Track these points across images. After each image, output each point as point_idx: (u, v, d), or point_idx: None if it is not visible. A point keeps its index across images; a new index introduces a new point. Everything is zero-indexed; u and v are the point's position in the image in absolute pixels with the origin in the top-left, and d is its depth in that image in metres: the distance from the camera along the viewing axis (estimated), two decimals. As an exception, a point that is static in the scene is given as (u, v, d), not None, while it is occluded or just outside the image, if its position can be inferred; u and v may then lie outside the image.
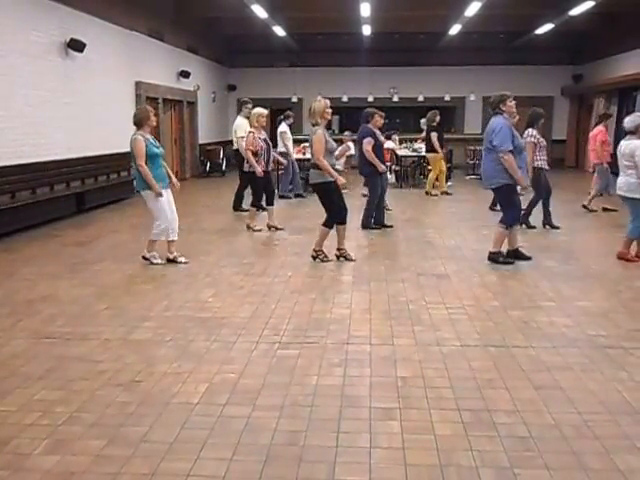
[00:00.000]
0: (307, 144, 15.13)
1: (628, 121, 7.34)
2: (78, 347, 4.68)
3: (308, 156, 14.43)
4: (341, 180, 7.13)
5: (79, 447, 3.27)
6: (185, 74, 16.86)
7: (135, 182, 7.34)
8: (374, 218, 9.68)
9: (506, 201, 7.31)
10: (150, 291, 6.23)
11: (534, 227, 9.49)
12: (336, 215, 7.32)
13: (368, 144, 9.27)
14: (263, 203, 9.44)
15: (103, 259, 7.41)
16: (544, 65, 20.88)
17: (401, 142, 16.92)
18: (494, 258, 7.29)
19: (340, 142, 16.10)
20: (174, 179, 7.39)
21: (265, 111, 9.41)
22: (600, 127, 11.46)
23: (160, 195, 6.97)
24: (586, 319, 5.33)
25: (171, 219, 7.15)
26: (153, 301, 5.84)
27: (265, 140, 9.29)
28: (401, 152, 15.79)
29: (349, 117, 22.89)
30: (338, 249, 7.50)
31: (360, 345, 4.71)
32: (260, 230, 9.34)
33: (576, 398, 3.80)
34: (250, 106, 10.63)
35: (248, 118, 10.08)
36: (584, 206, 11.14)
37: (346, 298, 5.94)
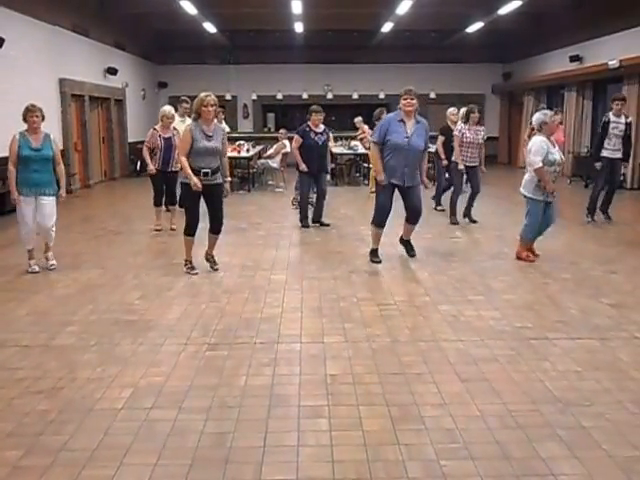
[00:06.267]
0: (242, 142, 15.17)
1: (534, 118, 7.26)
2: (-5, 355, 4.49)
3: (244, 154, 14.43)
4: (196, 185, 6.27)
5: (-6, 459, 3.13)
6: (112, 71, 16.40)
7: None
8: (313, 214, 9.71)
9: (375, 198, 7.34)
10: (74, 295, 6.02)
11: (475, 221, 9.70)
12: (190, 223, 6.64)
13: (295, 142, 9.46)
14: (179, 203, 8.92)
15: (25, 263, 7.11)
16: (475, 63, 21.35)
17: (336, 140, 16.96)
18: (370, 257, 7.29)
19: (276, 140, 16.14)
20: (62, 190, 7.02)
21: (170, 111, 9.22)
22: None
23: (13, 200, 6.70)
24: (513, 312, 5.45)
25: (40, 225, 6.84)
26: (77, 305, 5.65)
27: (170, 139, 9.09)
28: (336, 150, 15.81)
29: (284, 114, 22.99)
30: (206, 252, 6.94)
31: (290, 344, 4.69)
32: (160, 230, 9.14)
33: (501, 389, 3.88)
34: (186, 105, 10.28)
35: (184, 116, 9.96)
36: None
37: (277, 297, 5.90)
